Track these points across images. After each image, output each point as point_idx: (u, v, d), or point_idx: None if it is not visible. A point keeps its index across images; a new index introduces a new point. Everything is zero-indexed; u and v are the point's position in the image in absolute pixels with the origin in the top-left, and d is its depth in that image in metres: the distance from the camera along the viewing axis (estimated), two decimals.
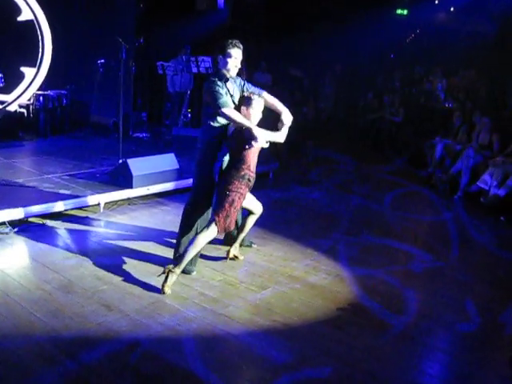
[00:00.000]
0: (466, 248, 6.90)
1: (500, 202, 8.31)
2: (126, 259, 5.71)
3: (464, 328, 4.79)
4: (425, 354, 4.37)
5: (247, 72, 11.63)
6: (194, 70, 11.79)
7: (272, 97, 5.61)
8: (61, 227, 6.55)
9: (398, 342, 4.48)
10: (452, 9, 15.98)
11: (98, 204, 7.15)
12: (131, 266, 5.56)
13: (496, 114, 10.64)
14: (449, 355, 4.40)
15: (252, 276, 5.52)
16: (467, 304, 5.25)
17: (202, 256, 5.81)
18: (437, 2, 15.77)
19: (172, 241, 6.04)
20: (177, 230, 5.72)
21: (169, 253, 5.88)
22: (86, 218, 6.95)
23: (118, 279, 5.22)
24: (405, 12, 16.66)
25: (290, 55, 14.42)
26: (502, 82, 11.80)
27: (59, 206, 6.81)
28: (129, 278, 5.27)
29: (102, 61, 11.77)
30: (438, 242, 7.06)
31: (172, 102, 12.63)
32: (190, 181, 8.20)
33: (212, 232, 5.11)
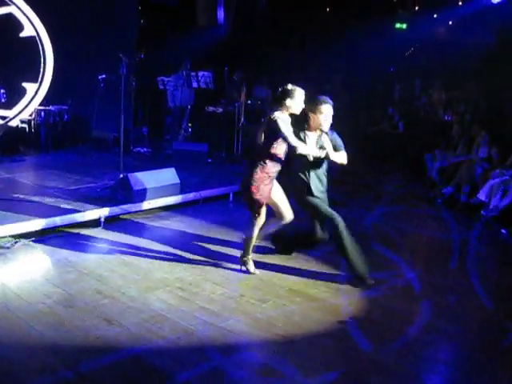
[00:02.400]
0: (467, 260, 6.89)
1: (500, 215, 8.31)
2: (126, 273, 5.72)
3: (464, 339, 4.80)
4: (426, 365, 4.37)
5: (247, 86, 11.71)
6: (195, 84, 11.84)
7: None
8: (61, 241, 6.55)
9: (399, 354, 4.47)
10: (450, 22, 16.06)
11: (99, 218, 7.16)
12: (132, 280, 5.56)
13: (495, 127, 10.68)
14: (450, 367, 4.40)
15: (252, 289, 5.52)
16: (468, 316, 5.25)
17: (202, 271, 5.84)
18: (435, 15, 15.85)
19: (171, 255, 6.06)
20: (176, 244, 5.75)
21: (168, 266, 5.90)
22: (87, 232, 6.96)
23: (118, 293, 5.22)
24: (404, 26, 16.75)
25: (290, 70, 14.46)
26: (502, 94, 11.85)
27: (60, 221, 6.84)
28: (129, 292, 5.27)
29: (103, 76, 11.82)
30: (439, 255, 7.07)
31: (172, 116, 12.67)
32: (191, 195, 8.31)
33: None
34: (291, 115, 5.62)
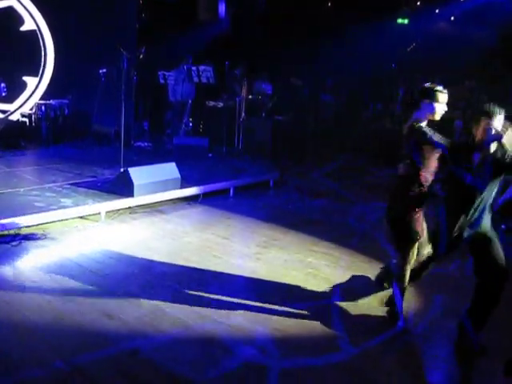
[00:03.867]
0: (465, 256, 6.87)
1: (502, 210, 8.29)
2: (126, 268, 5.72)
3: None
4: (426, 362, 4.37)
5: (248, 81, 11.69)
6: (196, 79, 11.82)
7: None
8: (62, 236, 6.56)
9: (399, 350, 4.47)
10: (452, 18, 16.02)
11: (99, 213, 7.16)
12: (131, 274, 5.57)
13: None
14: (449, 363, 4.40)
15: (252, 285, 5.52)
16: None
17: (201, 266, 5.84)
18: (437, 11, 15.81)
19: (171, 250, 6.06)
20: (177, 238, 5.72)
21: (169, 261, 5.89)
22: (87, 226, 6.96)
23: (119, 288, 5.22)
24: (406, 21, 16.70)
25: (291, 64, 14.43)
26: (504, 90, 11.81)
27: (60, 215, 6.83)
28: (129, 286, 5.27)
29: (104, 70, 11.81)
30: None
31: (173, 111, 12.66)
32: (191, 190, 8.31)
33: None
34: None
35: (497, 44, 12.87)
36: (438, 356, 4.43)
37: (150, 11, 14.15)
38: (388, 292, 5.14)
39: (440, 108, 4.68)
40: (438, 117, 4.69)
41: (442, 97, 4.68)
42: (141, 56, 11.80)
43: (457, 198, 4.60)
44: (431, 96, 4.64)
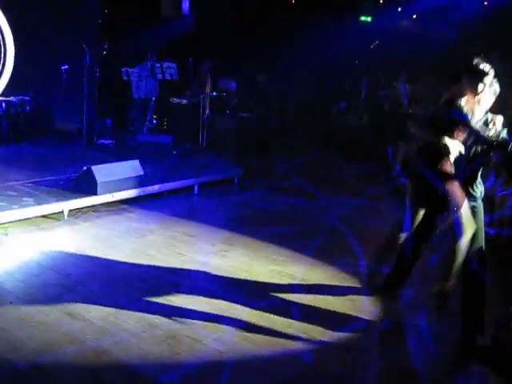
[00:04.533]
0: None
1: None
2: (90, 267, 5.67)
3: (428, 327, 4.88)
4: (390, 357, 4.44)
5: (212, 79, 11.68)
6: (159, 76, 11.74)
7: None
8: (23, 235, 6.46)
9: (363, 344, 4.53)
10: (414, 16, 16.23)
11: (62, 211, 7.07)
12: (95, 273, 5.52)
13: None
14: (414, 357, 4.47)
15: (218, 282, 5.52)
16: (427, 303, 5.34)
17: (166, 264, 5.82)
18: (400, 9, 16.00)
19: (135, 248, 6.03)
20: (141, 236, 5.68)
21: (133, 259, 5.86)
22: (50, 225, 6.87)
23: (82, 287, 5.17)
24: (369, 19, 16.87)
25: (256, 61, 14.46)
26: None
27: (22, 214, 6.73)
28: (93, 285, 5.23)
29: (66, 67, 11.66)
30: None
31: (137, 108, 12.56)
32: (155, 187, 8.26)
33: None
34: None
35: (458, 41, 13.08)
36: (407, 351, 4.50)
37: (113, 7, 14.00)
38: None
39: None
40: None
41: None
42: (104, 52, 11.70)
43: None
44: None
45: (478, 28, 12.93)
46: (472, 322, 4.56)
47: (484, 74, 4.42)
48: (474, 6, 12.83)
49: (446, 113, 4.55)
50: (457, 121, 4.46)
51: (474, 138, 4.44)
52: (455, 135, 4.46)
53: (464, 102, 4.46)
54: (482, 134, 4.36)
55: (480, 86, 4.41)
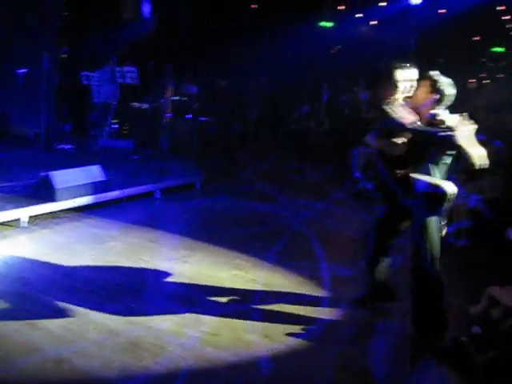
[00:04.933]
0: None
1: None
2: (49, 274, 5.57)
3: (390, 330, 4.94)
4: (353, 359, 4.48)
5: (173, 83, 11.63)
6: (120, 80, 11.65)
7: None
8: None
9: (326, 348, 4.55)
10: (375, 22, 16.45)
11: (20, 218, 6.94)
12: (55, 281, 5.43)
13: None
14: (377, 359, 4.52)
15: (180, 288, 5.48)
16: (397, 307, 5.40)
17: (127, 270, 5.77)
18: (360, 15, 16.19)
19: (95, 255, 5.95)
20: (102, 242, 5.60)
21: (93, 266, 5.78)
22: (7, 233, 6.73)
23: (42, 295, 5.08)
24: (329, 25, 17.04)
25: (217, 66, 14.46)
26: None
27: None
28: (53, 294, 5.13)
29: (24, 70, 11.46)
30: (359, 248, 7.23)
31: (97, 112, 12.42)
32: (116, 193, 8.18)
33: None
34: None
35: (416, 47, 13.31)
36: (366, 353, 4.55)
37: (73, 10, 13.82)
38: None
39: None
40: None
41: None
42: (63, 56, 11.56)
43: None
44: None
45: (434, 35, 13.19)
46: (424, 323, 4.61)
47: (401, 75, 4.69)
48: (430, 13, 13.08)
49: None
50: (392, 126, 4.57)
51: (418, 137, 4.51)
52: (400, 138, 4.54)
53: (398, 103, 4.62)
54: (420, 131, 4.48)
55: (400, 86, 4.64)
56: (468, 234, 7.25)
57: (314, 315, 5.07)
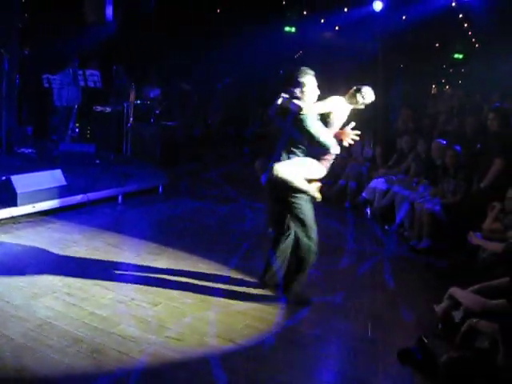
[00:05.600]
0: (353, 255, 7.13)
1: (384, 212, 8.68)
2: (10, 280, 5.47)
3: (354, 333, 4.99)
4: (316, 361, 4.51)
5: (136, 86, 11.54)
6: (82, 83, 11.50)
7: None
8: None
9: (292, 352, 4.57)
10: (337, 28, 16.60)
11: None
12: (16, 287, 5.33)
13: (379, 128, 11.18)
14: (339, 361, 4.56)
15: (143, 292, 5.44)
16: (357, 310, 5.46)
17: (91, 275, 5.72)
18: (323, 20, 16.32)
19: (58, 260, 5.88)
20: (64, 247, 5.54)
21: (55, 272, 5.70)
22: None
23: (1, 302, 4.98)
24: (293, 29, 17.14)
25: (181, 69, 14.42)
26: (385, 98, 12.39)
27: None
28: (14, 300, 5.05)
29: None
30: (328, 249, 7.28)
31: (59, 116, 12.26)
32: (78, 197, 8.08)
33: None
34: None
35: (378, 53, 13.47)
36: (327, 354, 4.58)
37: (34, 11, 13.63)
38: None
39: None
40: None
41: None
42: (21, 55, 11.37)
43: None
44: None
45: (396, 40, 13.37)
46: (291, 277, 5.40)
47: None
48: (393, 19, 13.24)
49: None
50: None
51: None
52: None
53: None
54: None
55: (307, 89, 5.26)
56: (429, 237, 7.38)
57: (276, 318, 5.10)
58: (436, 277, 6.52)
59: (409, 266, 7.02)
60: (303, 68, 5.32)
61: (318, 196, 5.45)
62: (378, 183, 8.95)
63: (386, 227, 8.36)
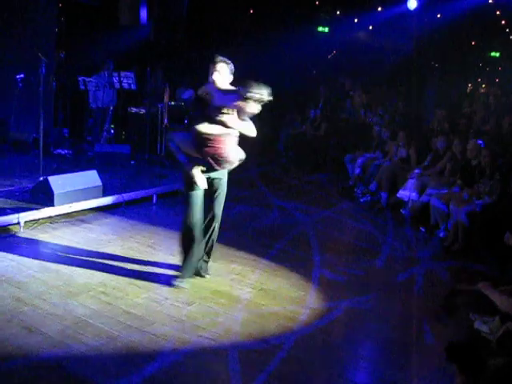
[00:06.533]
0: (387, 256, 7.09)
1: (419, 213, 8.60)
2: (47, 279, 5.57)
3: (387, 335, 4.95)
4: (348, 362, 4.49)
5: (170, 88, 11.63)
6: (117, 85, 11.66)
7: None
8: None
9: (324, 353, 4.56)
10: (370, 27, 16.49)
11: (18, 223, 6.94)
12: (53, 286, 5.43)
13: (413, 128, 11.08)
14: (372, 362, 4.53)
15: (177, 292, 5.49)
16: (390, 312, 5.42)
17: (126, 275, 5.78)
18: (356, 20, 16.23)
19: (93, 259, 5.96)
20: (100, 247, 5.60)
21: (91, 271, 5.79)
22: (5, 237, 6.73)
23: (39, 300, 5.08)
24: (326, 30, 17.08)
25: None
26: (419, 96, 12.28)
27: None
28: (50, 298, 5.14)
29: (22, 76, 11.45)
30: (361, 250, 7.25)
31: (94, 117, 12.43)
32: (114, 198, 8.18)
33: None
34: None
35: (412, 52, 13.35)
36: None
37: (70, 15, 13.85)
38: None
39: None
40: None
41: None
42: (57, 58, 11.55)
43: None
44: None
45: (431, 39, 13.23)
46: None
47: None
48: (428, 18, 13.11)
49: None
50: None
51: None
52: None
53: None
54: None
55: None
56: (464, 239, 7.30)
57: (308, 319, 5.09)
58: (471, 280, 6.42)
59: (443, 268, 6.94)
60: (215, 55, 5.60)
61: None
62: (412, 184, 8.87)
63: (421, 228, 8.28)
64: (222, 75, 5.49)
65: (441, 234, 7.88)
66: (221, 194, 5.73)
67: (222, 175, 5.67)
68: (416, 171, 9.14)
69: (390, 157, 10.17)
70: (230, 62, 5.62)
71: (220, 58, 5.55)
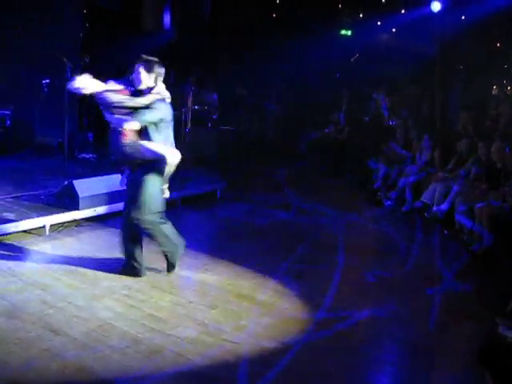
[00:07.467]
0: (411, 260, 7.03)
1: (443, 216, 8.53)
2: (72, 282, 5.63)
3: (409, 338, 4.92)
4: (372, 367, 4.46)
5: (193, 91, 11.69)
6: None
7: None
8: (5, 250, 6.39)
9: (345, 356, 4.54)
10: (394, 29, 16.38)
11: (44, 226, 7.02)
12: (78, 288, 5.48)
13: (437, 131, 10.98)
14: (396, 367, 4.50)
15: (200, 295, 5.51)
16: (414, 315, 5.38)
17: (150, 278, 5.81)
18: (379, 23, 16.14)
19: (118, 263, 6.01)
20: None
21: (115, 274, 5.83)
22: (31, 240, 6.80)
23: (64, 303, 5.13)
24: (349, 33, 17.02)
25: (237, 74, 14.50)
26: (444, 100, 12.17)
27: (3, 229, 6.66)
28: (76, 301, 5.19)
29: (47, 80, 11.58)
30: (385, 254, 7.21)
31: None
32: None
33: None
34: None
35: (436, 54, 13.23)
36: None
37: (95, 20, 13.99)
38: None
39: None
40: None
41: None
42: (82, 63, 11.65)
43: None
44: None
45: (455, 41, 13.09)
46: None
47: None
48: (452, 20, 12.98)
49: None
50: None
51: None
52: None
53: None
54: None
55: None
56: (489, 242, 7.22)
57: (329, 322, 5.08)
58: (497, 284, 6.35)
59: (468, 271, 6.87)
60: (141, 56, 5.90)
61: None
62: (436, 187, 8.80)
63: (445, 232, 8.21)
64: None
65: (465, 237, 7.80)
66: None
67: None
68: (440, 175, 9.07)
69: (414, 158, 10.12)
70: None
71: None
